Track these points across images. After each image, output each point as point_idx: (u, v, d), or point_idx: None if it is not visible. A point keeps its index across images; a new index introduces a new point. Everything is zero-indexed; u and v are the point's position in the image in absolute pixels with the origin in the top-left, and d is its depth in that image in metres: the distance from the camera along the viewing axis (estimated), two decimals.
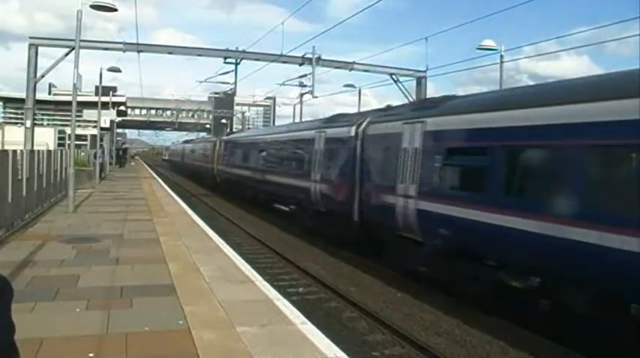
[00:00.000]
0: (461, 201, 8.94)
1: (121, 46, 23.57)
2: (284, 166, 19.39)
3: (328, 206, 14.76)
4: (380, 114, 13.37)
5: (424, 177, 10.14)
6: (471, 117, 9.17)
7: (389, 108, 14.24)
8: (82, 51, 17.06)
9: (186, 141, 62.68)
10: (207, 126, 74.61)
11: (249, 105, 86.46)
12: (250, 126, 66.94)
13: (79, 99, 17.29)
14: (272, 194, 20.21)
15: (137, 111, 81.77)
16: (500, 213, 7.89)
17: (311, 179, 15.72)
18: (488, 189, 8.49)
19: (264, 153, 22.39)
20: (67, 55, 20.96)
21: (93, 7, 15.94)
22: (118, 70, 29.57)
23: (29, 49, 21.77)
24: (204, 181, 37.23)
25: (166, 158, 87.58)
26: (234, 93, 52.41)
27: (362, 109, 32.00)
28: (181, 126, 79.65)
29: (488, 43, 21.03)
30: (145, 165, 64.85)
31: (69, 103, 17.52)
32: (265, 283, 7.39)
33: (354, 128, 13.50)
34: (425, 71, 26.04)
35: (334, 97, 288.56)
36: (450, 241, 9.27)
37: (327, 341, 5.16)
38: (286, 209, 18.33)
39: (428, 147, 10.17)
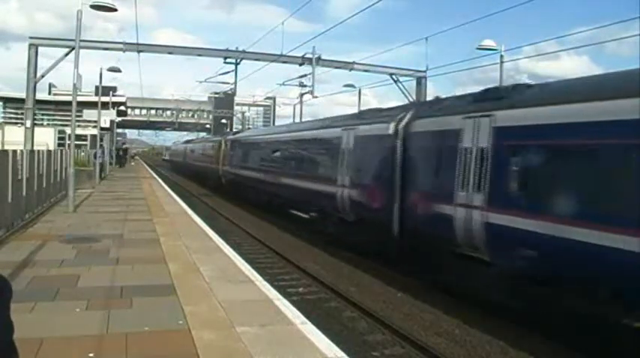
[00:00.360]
0: (553, 215, 7.03)
1: (121, 46, 23.59)
2: (303, 168, 17.32)
3: (359, 214, 13.02)
4: (427, 109, 11.33)
5: (496, 184, 8.23)
6: (575, 109, 7.05)
7: (437, 100, 11.85)
8: (82, 51, 17.07)
9: (188, 141, 61.65)
10: (207, 126, 74.64)
11: (249, 105, 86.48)
12: (250, 126, 66.86)
13: (79, 99, 17.29)
14: (287, 198, 18.34)
15: (137, 111, 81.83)
16: (615, 232, 6.16)
17: (337, 183, 13.82)
18: (602, 202, 6.61)
19: (278, 154, 20.47)
20: (67, 55, 20.97)
21: (93, 7, 15.95)
22: (118, 70, 29.66)
23: (29, 49, 21.79)
24: (208, 183, 36.00)
25: (167, 158, 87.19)
26: (234, 93, 52.52)
27: (362, 108, 32.04)
28: (181, 126, 79.69)
29: (488, 43, 21.06)
30: (145, 165, 64.84)
31: (69, 103, 17.53)
32: (265, 283, 7.39)
33: (393, 125, 11.54)
34: (425, 71, 26.08)
35: (334, 97, 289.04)
36: (531, 263, 7.54)
37: (327, 341, 5.16)
38: (305, 216, 16.52)
39: (501, 146, 8.28)
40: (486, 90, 9.78)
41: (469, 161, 8.82)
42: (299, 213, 17.05)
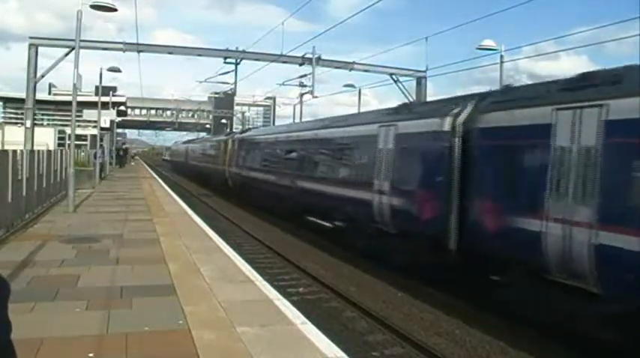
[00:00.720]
0: None
1: (121, 46, 23.59)
2: (328, 170, 15.29)
3: (402, 225, 11.14)
4: (495, 100, 9.27)
5: (613, 196, 6.53)
6: None
7: (508, 89, 9.97)
8: (81, 51, 17.06)
9: (190, 141, 60.59)
10: (207, 126, 74.67)
11: (249, 105, 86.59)
12: (250, 126, 66.86)
13: (79, 99, 17.29)
14: (307, 204, 16.37)
15: (137, 111, 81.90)
16: None
17: (373, 188, 11.91)
18: None
19: (295, 154, 18.37)
20: (67, 55, 20.97)
21: (93, 7, 15.96)
22: (118, 70, 29.72)
23: (29, 49, 21.78)
24: (212, 184, 34.46)
25: (167, 158, 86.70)
26: (234, 93, 52.56)
27: (362, 109, 31.93)
28: (181, 126, 79.72)
29: (488, 43, 21.09)
30: (145, 166, 64.84)
31: (69, 103, 17.54)
32: (265, 283, 7.39)
33: (448, 119, 9.77)
34: (425, 71, 26.11)
35: (334, 97, 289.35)
36: None
37: (327, 341, 5.16)
38: (328, 225, 14.56)
39: (622, 145, 6.49)
40: (584, 75, 7.69)
41: (566, 164, 7.10)
42: (320, 222, 15.09)
